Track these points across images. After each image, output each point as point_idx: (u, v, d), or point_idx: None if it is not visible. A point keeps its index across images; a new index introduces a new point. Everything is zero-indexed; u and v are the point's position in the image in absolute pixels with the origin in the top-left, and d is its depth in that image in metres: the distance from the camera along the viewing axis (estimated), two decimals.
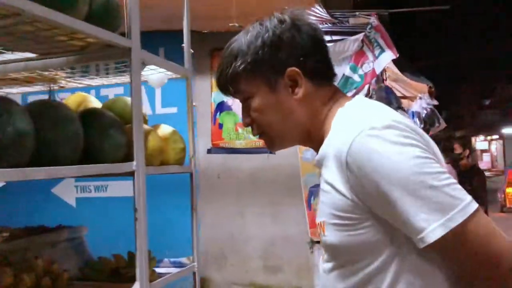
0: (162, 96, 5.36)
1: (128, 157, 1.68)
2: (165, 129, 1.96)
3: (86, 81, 2.21)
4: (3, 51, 1.80)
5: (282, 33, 1.11)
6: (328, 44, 4.41)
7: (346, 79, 4.94)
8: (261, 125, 1.17)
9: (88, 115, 1.55)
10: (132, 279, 1.73)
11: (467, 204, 0.91)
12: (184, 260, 2.14)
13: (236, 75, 1.13)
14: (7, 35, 1.50)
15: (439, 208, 0.90)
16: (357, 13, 5.16)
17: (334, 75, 1.18)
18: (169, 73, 2.09)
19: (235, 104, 5.20)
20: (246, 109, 1.17)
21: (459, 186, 0.94)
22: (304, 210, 5.12)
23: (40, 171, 1.29)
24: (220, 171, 5.40)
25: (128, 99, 1.98)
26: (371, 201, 0.97)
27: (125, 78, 2.32)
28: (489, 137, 36.63)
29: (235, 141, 5.26)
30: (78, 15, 1.44)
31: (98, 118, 1.60)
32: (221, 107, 5.43)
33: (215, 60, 5.03)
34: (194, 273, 2.12)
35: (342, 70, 4.97)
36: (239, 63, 1.12)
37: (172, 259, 2.21)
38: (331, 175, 1.02)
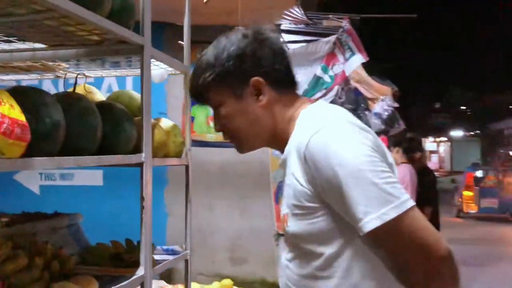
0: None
1: (137, 149, 1.77)
2: (166, 123, 2.05)
3: (86, 73, 2.26)
4: (14, 40, 1.83)
5: (246, 46, 1.23)
6: (301, 44, 4.62)
7: (317, 79, 5.12)
8: (230, 130, 1.29)
9: (103, 108, 1.62)
10: (135, 264, 1.83)
11: (403, 201, 1.04)
12: (176, 248, 2.24)
13: (207, 86, 1.25)
14: (29, 28, 1.55)
15: (377, 203, 1.03)
16: (330, 16, 5.34)
17: (296, 82, 1.31)
18: (169, 69, 2.17)
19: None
20: (217, 116, 1.30)
21: (398, 185, 1.07)
22: (272, 204, 5.29)
23: (69, 160, 1.37)
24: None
25: (132, 93, 2.07)
26: (324, 192, 1.10)
27: (122, 71, 2.39)
28: (438, 139, 38.16)
29: (207, 135, 5.33)
30: (103, 13, 1.51)
31: (113, 111, 1.67)
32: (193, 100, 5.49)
33: (193, 53, 5.09)
34: (186, 260, 2.23)
35: (313, 70, 5.16)
36: (207, 75, 1.24)
37: (164, 247, 2.30)
38: (293, 168, 1.16)
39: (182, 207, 5.24)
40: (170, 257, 2.10)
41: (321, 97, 5.11)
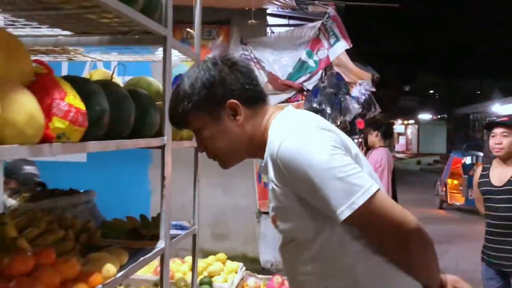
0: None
1: (158, 133, 1.92)
2: None
3: (98, 57, 2.37)
4: (37, 25, 1.93)
5: (216, 74, 1.34)
6: (287, 29, 4.79)
7: (302, 63, 5.31)
8: (213, 150, 1.40)
9: (131, 94, 1.75)
10: (153, 238, 1.99)
11: (366, 189, 1.16)
12: (184, 223, 2.40)
13: (186, 113, 1.35)
14: (66, 18, 1.66)
15: (344, 195, 1.16)
16: (316, 1, 5.48)
17: (266, 96, 1.43)
18: (182, 56, 2.31)
19: None
20: (198, 139, 1.41)
21: (361, 174, 1.19)
22: (254, 183, 5.49)
23: (112, 144, 1.52)
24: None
25: (150, 79, 2.20)
26: (298, 190, 1.24)
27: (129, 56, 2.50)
28: (406, 122, 39.04)
29: None
30: (137, 7, 1.64)
31: (140, 98, 1.80)
32: (178, 80, 5.57)
33: (179, 32, 5.15)
34: (194, 235, 2.41)
35: (298, 54, 5.33)
36: (185, 103, 1.34)
37: (173, 222, 2.46)
38: (271, 173, 1.29)
39: (173, 187, 5.37)
40: (180, 232, 2.26)
41: (305, 81, 5.31)
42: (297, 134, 1.25)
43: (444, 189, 11.65)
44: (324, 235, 1.28)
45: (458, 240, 8.28)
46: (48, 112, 1.19)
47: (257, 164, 5.40)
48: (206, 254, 4.31)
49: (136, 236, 2.05)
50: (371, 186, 1.18)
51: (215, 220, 5.60)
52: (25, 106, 1.09)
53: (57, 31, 1.95)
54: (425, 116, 35.42)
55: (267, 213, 5.35)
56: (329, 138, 1.24)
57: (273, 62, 5.35)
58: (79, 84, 1.39)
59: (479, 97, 24.69)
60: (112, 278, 1.53)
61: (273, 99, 5.35)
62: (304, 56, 5.30)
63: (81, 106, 1.29)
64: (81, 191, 2.29)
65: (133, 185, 5.39)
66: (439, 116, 32.85)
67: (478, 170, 3.55)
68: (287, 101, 5.32)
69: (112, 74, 1.81)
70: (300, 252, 1.34)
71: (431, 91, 34.41)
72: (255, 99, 1.39)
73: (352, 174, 1.18)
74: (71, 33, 1.95)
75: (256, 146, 1.39)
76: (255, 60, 5.32)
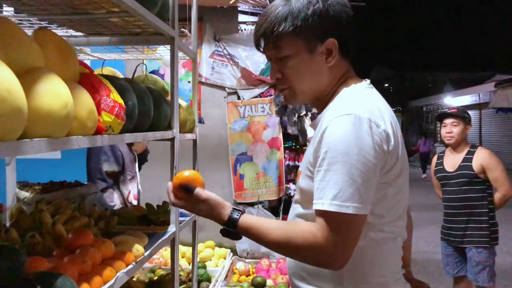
0: None
1: (169, 126, 2.08)
2: (182, 103, 2.36)
3: (101, 56, 2.49)
4: (48, 25, 2.04)
5: (330, 7, 1.27)
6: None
7: None
8: (289, 81, 1.33)
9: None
10: (162, 223, 2.16)
11: (349, 205, 1.14)
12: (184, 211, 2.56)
13: (283, 35, 1.27)
14: (89, 21, 1.80)
15: (336, 194, 1.15)
16: None
17: (351, 50, 1.36)
18: (180, 54, 2.47)
19: (167, 74, 5.50)
20: (278, 66, 1.33)
21: (364, 193, 1.15)
22: (230, 176, 5.68)
23: (140, 136, 1.68)
24: None
25: (155, 76, 2.36)
26: (316, 162, 1.23)
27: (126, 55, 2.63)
28: None
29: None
30: (154, 11, 1.80)
31: (153, 94, 1.96)
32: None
33: None
34: (194, 222, 2.58)
35: None
36: (287, 25, 1.26)
37: None
38: (315, 137, 1.27)
39: (151, 180, 5.46)
40: (183, 218, 2.43)
41: (359, 79, 5.48)
42: (351, 118, 1.19)
43: None
44: None
45: (419, 224, 8.76)
46: (98, 107, 1.34)
47: (232, 156, 5.59)
48: (184, 245, 4.47)
49: (147, 222, 2.21)
50: (356, 207, 1.16)
51: (190, 212, 5.74)
52: (86, 102, 1.25)
53: (69, 32, 2.07)
54: None
55: (242, 204, 5.57)
56: (375, 136, 1.19)
57: (245, 58, 5.54)
58: (112, 82, 1.54)
59: (432, 90, 25.73)
60: (142, 257, 1.69)
61: (247, 94, 5.56)
62: None
63: (122, 101, 1.45)
64: (88, 183, 2.41)
65: None
66: (394, 109, 33.94)
67: (434, 160, 3.89)
68: (260, 95, 5.52)
69: (134, 71, 1.95)
70: (306, 211, 1.36)
71: (386, 85, 35.48)
72: (348, 48, 1.34)
73: (357, 187, 1.15)
74: (82, 33, 2.08)
75: (323, 97, 1.36)
76: (228, 56, 5.50)
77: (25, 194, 2.15)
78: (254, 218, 1.30)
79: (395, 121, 1.31)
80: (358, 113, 1.19)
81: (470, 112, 3.88)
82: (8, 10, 1.99)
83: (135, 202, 3.13)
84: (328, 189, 1.17)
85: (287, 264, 1.49)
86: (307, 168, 1.30)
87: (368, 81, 1.40)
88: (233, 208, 1.33)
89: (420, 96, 25.67)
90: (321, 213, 1.18)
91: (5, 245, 1.26)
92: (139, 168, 3.40)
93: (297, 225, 1.27)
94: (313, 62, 1.30)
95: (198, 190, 1.34)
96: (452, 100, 20.41)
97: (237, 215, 1.30)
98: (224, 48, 5.49)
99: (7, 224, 1.84)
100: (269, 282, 3.24)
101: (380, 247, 1.29)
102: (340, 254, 1.17)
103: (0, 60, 0.91)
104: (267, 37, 1.31)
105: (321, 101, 1.38)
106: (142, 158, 3.39)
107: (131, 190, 3.11)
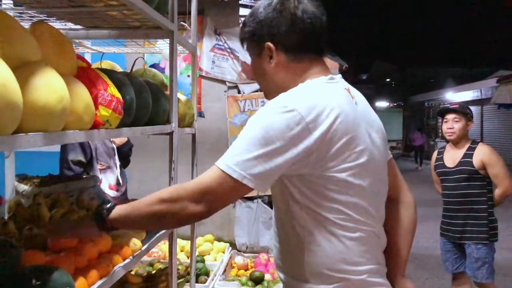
0: None
1: (167, 120, 2.08)
2: (181, 97, 2.35)
3: (101, 49, 2.48)
4: (47, 18, 2.03)
5: (267, 14, 1.37)
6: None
7: None
8: (257, 80, 1.50)
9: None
10: None
11: (245, 175, 1.18)
12: None
13: (243, 38, 1.46)
14: (88, 14, 1.79)
15: (232, 156, 1.21)
16: None
17: (311, 50, 1.38)
18: (180, 47, 2.46)
19: (168, 67, 5.49)
20: (251, 65, 1.48)
21: (262, 169, 1.19)
22: None
23: (138, 130, 1.68)
24: None
25: (154, 70, 2.35)
26: None
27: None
28: None
29: None
30: (153, 5, 1.78)
31: (152, 88, 1.95)
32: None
33: None
34: None
35: None
36: (245, 29, 1.43)
37: None
38: None
39: (150, 174, 5.47)
40: None
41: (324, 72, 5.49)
42: (276, 102, 1.25)
43: None
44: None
45: (418, 220, 8.76)
46: (95, 101, 1.34)
47: None
48: (183, 239, 4.49)
49: None
50: (247, 177, 1.19)
51: None
52: (82, 96, 1.24)
53: (68, 25, 2.07)
54: (382, 104, 36.44)
55: (241, 198, 5.57)
56: (291, 121, 1.20)
57: (246, 52, 5.50)
58: (112, 76, 1.53)
59: (433, 85, 25.67)
60: (139, 251, 1.70)
61: (247, 88, 5.54)
62: None
63: (119, 96, 1.45)
64: (90, 176, 2.41)
65: None
66: (395, 104, 33.90)
67: (434, 155, 3.88)
68: (260, 89, 5.50)
69: (133, 66, 1.94)
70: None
71: (387, 80, 35.41)
72: (294, 50, 1.37)
73: (255, 155, 1.19)
74: (81, 27, 2.08)
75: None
76: (229, 50, 5.48)
77: (24, 187, 2.15)
78: (124, 205, 1.36)
79: (354, 117, 1.29)
80: (280, 100, 1.25)
81: (472, 108, 3.88)
82: (7, 3, 1.99)
83: (111, 192, 3.20)
84: (227, 152, 1.24)
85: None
86: None
87: (330, 76, 1.38)
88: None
89: (422, 91, 25.61)
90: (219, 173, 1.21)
91: (1, 239, 1.26)
92: (126, 161, 3.48)
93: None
94: (262, 63, 1.41)
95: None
96: (453, 96, 20.38)
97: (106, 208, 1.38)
98: (225, 42, 5.47)
99: (6, 217, 1.84)
100: (267, 276, 3.24)
101: (336, 240, 1.29)
102: (201, 198, 1.20)
103: None
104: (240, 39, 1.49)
105: None
106: (125, 151, 3.42)
107: (104, 180, 3.19)
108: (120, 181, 3.26)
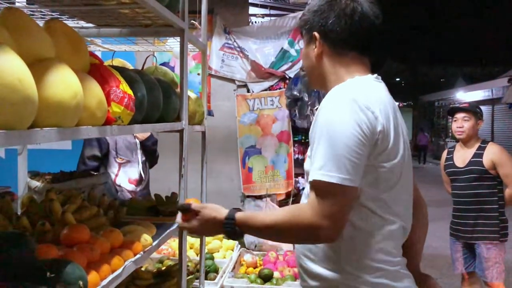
0: None
1: (178, 118, 2.09)
2: (191, 95, 2.37)
3: (112, 47, 2.51)
4: (60, 16, 2.06)
5: (320, 5, 1.46)
6: (269, 18, 4.98)
7: (284, 52, 5.51)
8: (304, 67, 1.64)
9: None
10: (171, 214, 2.18)
11: (344, 177, 1.22)
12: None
13: (299, 28, 1.59)
14: (100, 12, 1.81)
15: (322, 166, 1.24)
16: None
17: (356, 46, 1.43)
18: (190, 46, 2.47)
19: (177, 66, 5.51)
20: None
21: (355, 165, 1.23)
22: (238, 168, 5.69)
23: (149, 127, 1.69)
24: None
25: (165, 68, 2.37)
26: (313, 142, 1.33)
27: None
28: None
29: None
30: (164, 3, 1.80)
31: (163, 85, 1.97)
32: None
33: None
34: None
35: (280, 43, 5.53)
36: (302, 17, 1.54)
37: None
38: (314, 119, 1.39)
39: (161, 171, 5.51)
40: None
41: (287, 69, 5.51)
42: (339, 104, 1.30)
43: None
44: None
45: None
46: (107, 98, 1.36)
47: (241, 149, 5.60)
48: (192, 236, 4.51)
49: (155, 213, 2.23)
50: (349, 179, 1.23)
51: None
52: (95, 92, 1.26)
53: (80, 23, 2.09)
54: None
55: (250, 197, 5.59)
56: (363, 118, 1.27)
57: (255, 51, 5.52)
58: (124, 73, 1.55)
59: (444, 85, 25.51)
60: (150, 246, 1.71)
61: (256, 87, 5.55)
62: (286, 46, 5.49)
63: (131, 92, 1.47)
64: (101, 173, 2.44)
65: None
66: (405, 103, 33.73)
67: (444, 155, 3.86)
68: (270, 88, 5.52)
69: (144, 63, 1.96)
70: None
71: (398, 79, 35.23)
72: (339, 43, 1.43)
73: (351, 160, 1.23)
74: (92, 25, 2.10)
75: (328, 86, 1.45)
76: (238, 49, 5.49)
77: (36, 184, 2.18)
78: (248, 212, 1.43)
79: (394, 116, 1.38)
80: (347, 95, 1.31)
81: (483, 108, 3.86)
82: (20, 1, 2.02)
83: (130, 186, 3.24)
84: (316, 162, 1.26)
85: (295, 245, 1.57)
86: (310, 150, 1.40)
87: (376, 75, 1.47)
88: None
89: (432, 91, 25.45)
90: (311, 185, 1.27)
91: (16, 233, 1.29)
92: (153, 157, 3.55)
93: (289, 207, 1.39)
94: (308, 51, 1.50)
95: (194, 204, 1.56)
96: (464, 95, 20.22)
97: (233, 212, 1.43)
98: (234, 41, 5.48)
99: (19, 213, 1.87)
100: (276, 274, 3.25)
101: (377, 231, 1.35)
102: (328, 223, 1.22)
103: (12, 50, 0.92)
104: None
105: (324, 87, 1.51)
106: (148, 145, 3.44)
107: (122, 174, 3.25)
108: (143, 176, 3.32)
